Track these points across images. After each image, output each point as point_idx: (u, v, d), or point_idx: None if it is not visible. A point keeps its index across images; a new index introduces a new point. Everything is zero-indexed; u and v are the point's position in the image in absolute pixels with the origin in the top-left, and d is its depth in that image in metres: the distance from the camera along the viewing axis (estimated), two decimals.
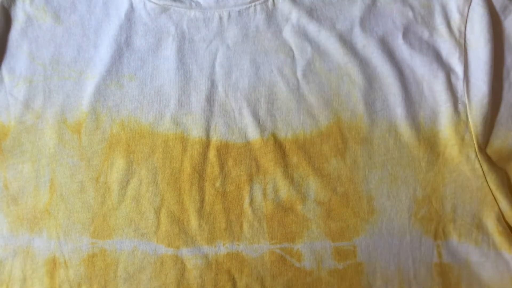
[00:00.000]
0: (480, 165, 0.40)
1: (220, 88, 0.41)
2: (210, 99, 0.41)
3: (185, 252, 0.39)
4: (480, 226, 0.40)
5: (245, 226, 0.39)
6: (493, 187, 0.40)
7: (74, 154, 0.40)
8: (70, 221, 0.40)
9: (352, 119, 0.41)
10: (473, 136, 0.40)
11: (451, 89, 0.41)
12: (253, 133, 0.40)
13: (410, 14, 0.42)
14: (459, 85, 0.41)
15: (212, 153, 0.40)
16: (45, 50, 0.42)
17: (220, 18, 0.42)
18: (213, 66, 0.41)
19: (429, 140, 0.41)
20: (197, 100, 0.41)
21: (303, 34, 0.42)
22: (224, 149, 0.40)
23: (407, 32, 0.42)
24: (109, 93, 0.41)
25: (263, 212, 0.40)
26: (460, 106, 0.41)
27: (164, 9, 0.42)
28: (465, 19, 0.41)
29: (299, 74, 0.41)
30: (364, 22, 0.42)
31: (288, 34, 0.42)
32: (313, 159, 0.40)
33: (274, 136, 0.40)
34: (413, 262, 0.39)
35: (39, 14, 0.43)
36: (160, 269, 0.39)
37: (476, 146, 0.40)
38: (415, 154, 0.40)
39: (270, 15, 0.42)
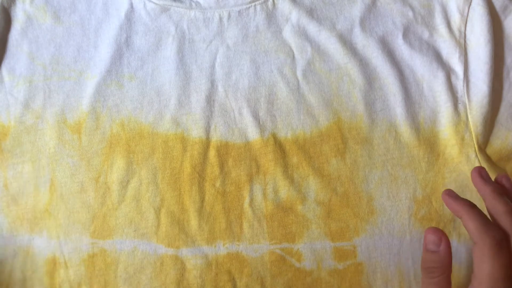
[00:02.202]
0: (480, 165, 0.40)
1: (220, 88, 0.41)
2: (210, 99, 0.41)
3: (185, 252, 0.39)
4: None
5: (245, 226, 0.39)
6: None
7: (74, 154, 0.40)
8: (70, 221, 0.40)
9: (352, 119, 0.41)
10: (473, 136, 0.40)
11: (451, 89, 0.41)
12: (253, 133, 0.40)
13: (410, 14, 0.42)
14: (459, 85, 0.41)
15: (212, 153, 0.40)
16: (45, 50, 0.42)
17: (220, 18, 0.42)
18: (213, 66, 0.41)
19: (429, 140, 0.40)
20: (197, 100, 0.41)
21: (303, 34, 0.42)
22: (224, 149, 0.40)
23: (407, 32, 0.42)
24: (109, 93, 0.41)
25: (263, 212, 0.40)
26: (460, 106, 0.41)
27: (164, 9, 0.42)
28: (465, 19, 0.41)
29: (299, 74, 0.41)
30: (364, 22, 0.42)
31: (288, 34, 0.42)
32: (313, 159, 0.40)
33: (274, 136, 0.40)
34: (413, 262, 0.39)
35: (39, 14, 0.43)
36: (160, 269, 0.39)
37: (476, 146, 0.40)
38: (415, 154, 0.40)
39: (270, 15, 0.42)
